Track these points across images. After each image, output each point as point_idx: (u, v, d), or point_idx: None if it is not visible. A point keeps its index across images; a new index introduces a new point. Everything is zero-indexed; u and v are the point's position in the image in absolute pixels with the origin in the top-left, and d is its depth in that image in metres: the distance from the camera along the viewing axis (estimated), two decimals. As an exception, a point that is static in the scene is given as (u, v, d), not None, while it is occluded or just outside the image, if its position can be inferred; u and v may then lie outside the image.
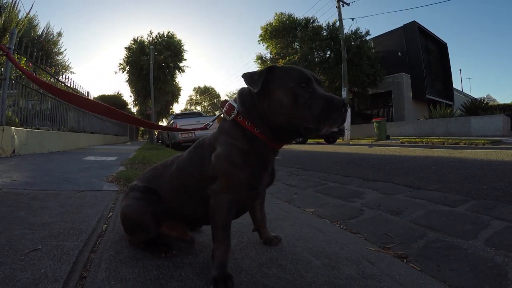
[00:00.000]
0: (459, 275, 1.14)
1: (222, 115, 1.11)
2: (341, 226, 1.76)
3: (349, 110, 17.06)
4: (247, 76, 1.02)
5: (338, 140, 14.87)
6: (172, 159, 1.28)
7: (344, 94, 17.73)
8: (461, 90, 36.55)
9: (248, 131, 1.03)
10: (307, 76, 0.98)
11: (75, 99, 1.39)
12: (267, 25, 24.86)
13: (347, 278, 1.06)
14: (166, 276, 1.02)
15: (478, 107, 18.02)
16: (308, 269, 1.13)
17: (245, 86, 1.05)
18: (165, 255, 1.17)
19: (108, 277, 0.99)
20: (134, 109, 29.68)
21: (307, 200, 2.45)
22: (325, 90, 1.00)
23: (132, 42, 25.23)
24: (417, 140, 11.73)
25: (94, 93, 18.74)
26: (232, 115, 1.06)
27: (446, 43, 28.37)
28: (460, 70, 63.93)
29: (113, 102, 31.16)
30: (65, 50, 23.60)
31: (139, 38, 25.32)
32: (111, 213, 1.78)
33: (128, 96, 31.86)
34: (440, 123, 17.43)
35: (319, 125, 0.92)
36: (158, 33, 25.59)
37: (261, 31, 25.21)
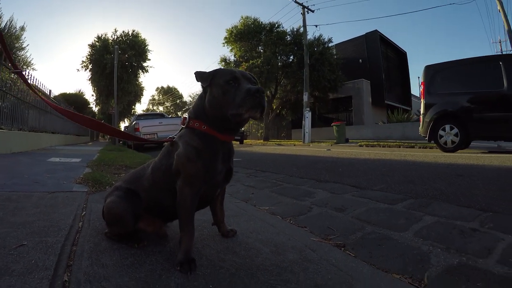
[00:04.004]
0: (387, 260, 1.33)
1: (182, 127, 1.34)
2: (291, 222, 1.93)
3: (310, 113, 17.46)
4: (199, 74, 1.26)
5: (298, 143, 15.24)
6: (149, 162, 1.46)
7: (305, 98, 18.13)
8: (419, 96, 38.25)
9: (197, 130, 1.26)
10: (235, 75, 1.21)
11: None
12: (232, 27, 24.52)
13: (291, 262, 1.25)
14: (140, 261, 1.20)
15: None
16: (258, 255, 1.32)
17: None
18: (137, 245, 1.35)
19: (91, 264, 1.16)
20: (95, 108, 28.73)
21: (263, 199, 2.62)
22: (265, 87, 1.21)
23: (96, 40, 24.24)
24: (375, 143, 12.13)
25: (55, 91, 18.02)
26: (186, 123, 1.30)
27: (405, 52, 29.67)
28: (419, 77, 66.14)
29: (74, 101, 29.94)
30: (27, 45, 22.37)
31: (103, 36, 24.37)
32: (84, 212, 1.89)
33: (90, 95, 30.73)
34: (398, 127, 18.23)
35: (238, 109, 1.14)
36: (123, 31, 24.69)
37: (226, 34, 24.80)
